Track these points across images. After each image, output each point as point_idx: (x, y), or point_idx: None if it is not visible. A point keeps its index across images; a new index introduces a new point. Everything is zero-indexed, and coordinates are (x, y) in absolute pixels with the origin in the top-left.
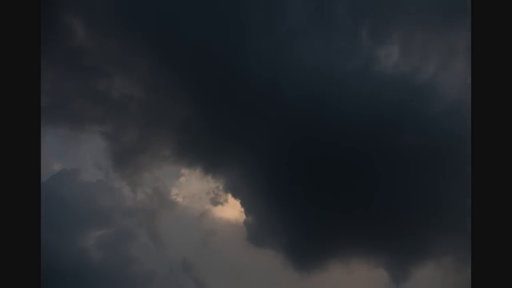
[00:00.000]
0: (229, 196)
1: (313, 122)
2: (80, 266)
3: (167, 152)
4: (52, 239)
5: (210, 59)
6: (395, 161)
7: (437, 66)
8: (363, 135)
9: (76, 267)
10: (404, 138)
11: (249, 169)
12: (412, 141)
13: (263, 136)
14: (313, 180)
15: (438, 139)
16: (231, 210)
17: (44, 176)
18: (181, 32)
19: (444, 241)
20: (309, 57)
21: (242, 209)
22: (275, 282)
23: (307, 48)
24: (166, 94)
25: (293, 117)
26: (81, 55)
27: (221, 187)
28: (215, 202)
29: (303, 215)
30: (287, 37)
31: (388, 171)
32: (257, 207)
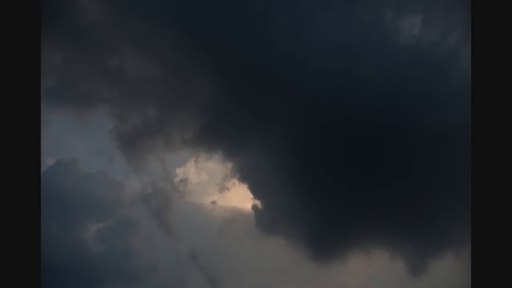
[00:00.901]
0: (245, 183)
1: (337, 100)
2: (88, 257)
3: (184, 136)
4: (55, 229)
5: (232, 38)
6: (426, 140)
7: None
8: (388, 112)
9: (85, 259)
10: (429, 116)
11: (270, 154)
12: (435, 120)
13: (287, 117)
14: (337, 163)
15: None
16: (246, 197)
17: (47, 163)
18: (203, 10)
19: (464, 232)
20: (331, 32)
21: (259, 196)
22: (291, 272)
23: (329, 23)
24: (185, 74)
25: (317, 95)
26: (93, 31)
27: (236, 173)
28: (229, 188)
29: (326, 201)
30: (308, 12)
31: (416, 152)
32: (278, 193)
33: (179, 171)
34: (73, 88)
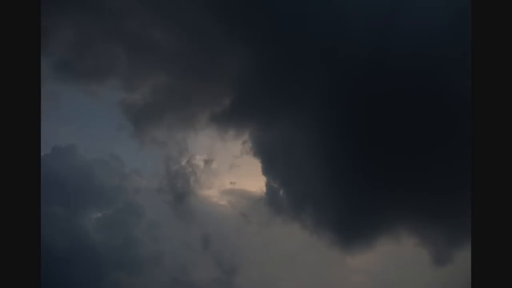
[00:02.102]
0: (267, 165)
1: (372, 75)
2: (91, 246)
3: (206, 113)
4: (60, 214)
5: (262, 9)
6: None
7: None
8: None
9: (87, 248)
10: None
11: (298, 136)
12: None
13: (317, 92)
14: (369, 143)
15: None
16: (268, 181)
17: (48, 147)
18: None
19: None
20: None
21: (283, 180)
22: (311, 260)
23: None
24: (212, 44)
25: (350, 66)
26: None
27: (259, 155)
28: (250, 170)
29: (353, 185)
30: None
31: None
32: (303, 177)
33: (198, 152)
34: (80, 60)
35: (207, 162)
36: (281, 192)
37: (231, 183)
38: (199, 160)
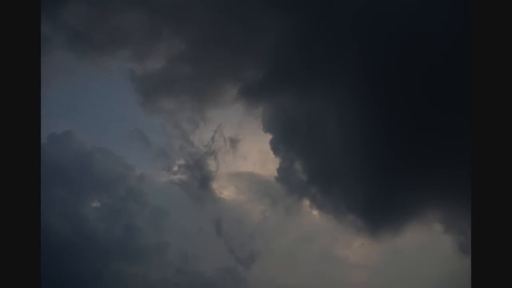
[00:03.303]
0: (291, 144)
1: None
2: (94, 236)
3: (233, 87)
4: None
5: None
6: None
7: None
8: None
9: (90, 238)
10: None
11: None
12: None
13: (353, 67)
14: (404, 121)
15: None
16: (291, 161)
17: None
18: None
19: None
20: None
21: (307, 162)
22: (338, 245)
23: None
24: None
25: (387, 42)
26: None
27: (282, 134)
28: (274, 150)
29: (382, 167)
30: None
31: None
32: (330, 157)
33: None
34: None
35: (233, 141)
36: (302, 172)
37: (253, 164)
38: (223, 139)
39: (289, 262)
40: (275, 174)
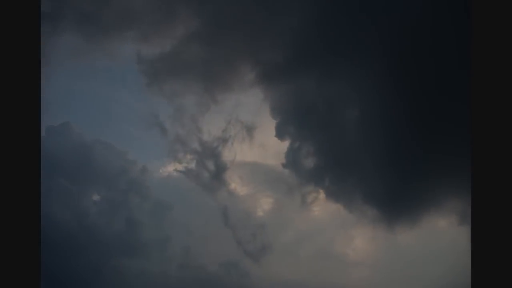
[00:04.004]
0: (308, 131)
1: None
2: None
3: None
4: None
5: None
6: None
7: None
8: None
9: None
10: None
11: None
12: None
13: (375, 52)
14: (424, 110)
15: None
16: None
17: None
18: None
19: None
20: None
21: (323, 149)
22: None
23: None
24: None
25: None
26: None
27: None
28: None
29: (401, 156)
30: None
31: None
32: (346, 145)
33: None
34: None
35: (249, 128)
36: (314, 159)
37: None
38: (237, 126)
39: (297, 257)
40: (289, 164)
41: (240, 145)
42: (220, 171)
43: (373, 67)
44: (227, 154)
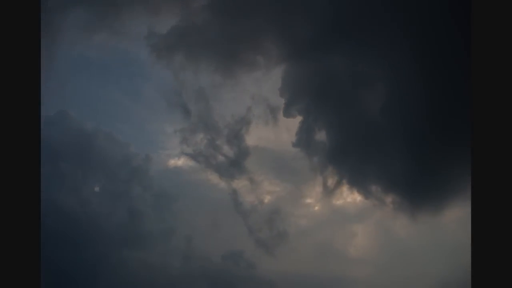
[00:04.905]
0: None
1: None
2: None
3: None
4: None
5: None
6: None
7: None
8: None
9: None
10: None
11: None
12: None
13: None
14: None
15: None
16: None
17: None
18: None
19: None
20: None
21: (340, 135)
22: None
23: None
24: None
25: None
26: None
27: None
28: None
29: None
30: None
31: None
32: (364, 131)
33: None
34: None
35: (273, 109)
36: (328, 141)
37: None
38: (260, 108)
39: (312, 249)
40: (306, 146)
41: (262, 127)
42: (240, 155)
43: (409, 44)
44: (247, 138)
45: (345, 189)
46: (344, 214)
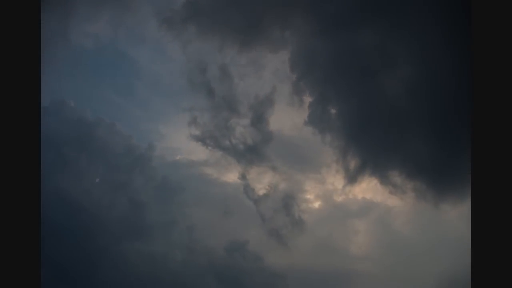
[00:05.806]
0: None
1: None
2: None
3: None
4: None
5: None
6: None
7: None
8: None
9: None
10: None
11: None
12: None
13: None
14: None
15: None
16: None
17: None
18: None
19: None
20: None
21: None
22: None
23: None
24: None
25: None
26: None
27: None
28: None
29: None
30: None
31: None
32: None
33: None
34: None
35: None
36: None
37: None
38: (284, 89)
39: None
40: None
41: (289, 109)
42: (262, 141)
43: (433, 30)
44: (270, 122)
45: (366, 176)
46: (365, 202)
